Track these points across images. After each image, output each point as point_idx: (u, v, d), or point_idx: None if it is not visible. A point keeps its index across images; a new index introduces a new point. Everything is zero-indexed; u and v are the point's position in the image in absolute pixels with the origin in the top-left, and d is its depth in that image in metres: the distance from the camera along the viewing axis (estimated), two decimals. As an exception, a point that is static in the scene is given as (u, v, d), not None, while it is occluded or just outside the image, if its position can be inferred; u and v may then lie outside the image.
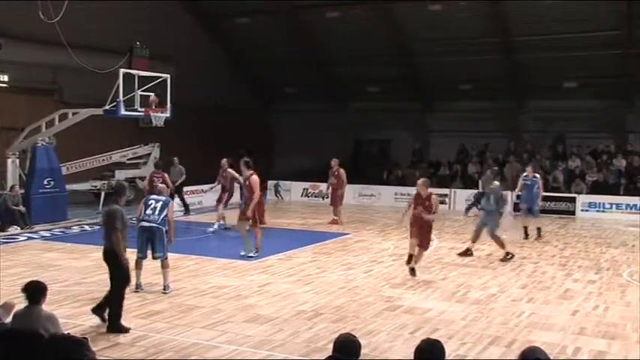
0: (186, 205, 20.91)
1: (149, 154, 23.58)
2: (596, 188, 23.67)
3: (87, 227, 17.69)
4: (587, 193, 23.33)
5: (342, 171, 19.69)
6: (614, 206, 22.51)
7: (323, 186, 25.25)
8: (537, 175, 17.27)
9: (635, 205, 22.14)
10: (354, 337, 4.53)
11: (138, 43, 19.89)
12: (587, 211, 22.61)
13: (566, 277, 12.11)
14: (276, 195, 26.83)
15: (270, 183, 27.06)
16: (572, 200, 22.97)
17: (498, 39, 25.32)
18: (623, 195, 23.13)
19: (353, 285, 11.11)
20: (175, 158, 20.63)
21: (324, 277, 11.80)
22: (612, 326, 8.79)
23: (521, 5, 23.14)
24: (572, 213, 22.65)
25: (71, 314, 8.91)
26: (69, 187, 19.81)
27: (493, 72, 26.23)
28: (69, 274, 11.56)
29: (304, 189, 26.68)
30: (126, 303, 9.32)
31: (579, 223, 20.90)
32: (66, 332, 5.69)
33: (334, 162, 19.96)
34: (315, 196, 25.65)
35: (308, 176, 26.98)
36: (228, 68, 30.30)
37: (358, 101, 29.91)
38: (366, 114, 28.94)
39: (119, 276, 8.50)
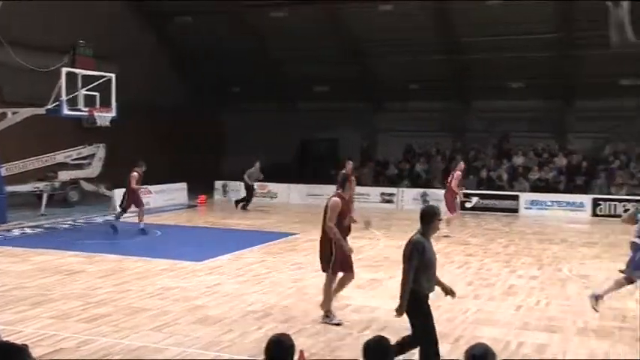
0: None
1: (94, 155, 23.13)
2: (538, 186, 24.31)
3: (28, 230, 17.24)
4: (529, 191, 23.92)
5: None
6: (555, 204, 23.14)
7: (273, 186, 25.29)
8: None
9: (575, 203, 22.82)
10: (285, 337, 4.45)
11: (81, 41, 19.49)
12: (529, 208, 23.18)
13: (511, 273, 12.38)
14: (224, 195, 26.66)
15: (218, 183, 26.90)
16: (516, 198, 23.52)
17: (444, 40, 25.74)
18: (564, 192, 23.79)
19: (302, 285, 11.12)
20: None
21: (273, 277, 11.78)
22: (553, 320, 9.03)
23: (467, 7, 23.57)
24: (516, 211, 23.19)
25: (11, 320, 8.66)
26: (9, 188, 19.27)
27: (439, 72, 26.65)
28: (8, 279, 11.23)
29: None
30: (68, 307, 9.14)
31: (522, 221, 21.39)
32: (5, 339, 5.52)
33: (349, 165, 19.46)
34: (264, 196, 25.57)
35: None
36: (174, 68, 29.99)
37: (307, 101, 29.97)
38: (314, 113, 29.02)
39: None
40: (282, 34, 26.66)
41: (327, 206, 8.72)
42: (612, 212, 22.37)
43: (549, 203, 23.19)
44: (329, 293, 8.84)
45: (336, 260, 8.69)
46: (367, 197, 24.97)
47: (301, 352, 4.53)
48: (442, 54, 26.19)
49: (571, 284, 11.43)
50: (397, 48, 25.65)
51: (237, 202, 23.45)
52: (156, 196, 22.72)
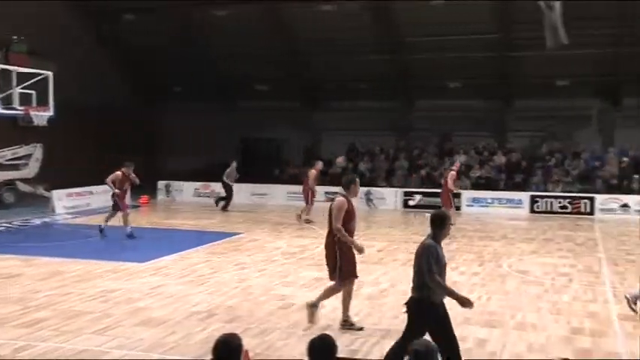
0: None
1: (30, 155, 22.51)
2: (479, 184, 24.85)
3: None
4: (471, 189, 24.42)
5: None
6: (495, 201, 23.69)
7: (216, 185, 25.12)
8: None
9: (514, 200, 23.43)
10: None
11: (15, 38, 18.92)
12: (471, 206, 23.66)
13: (453, 270, 12.58)
14: (167, 195, 26.35)
15: (161, 183, 26.56)
16: (458, 196, 23.92)
17: (387, 39, 26.01)
18: (504, 190, 24.39)
19: (246, 284, 11.09)
20: None
21: (217, 277, 11.71)
22: (493, 315, 9.25)
23: (409, 7, 23.86)
24: (458, 208, 23.59)
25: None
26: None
27: (382, 72, 26.91)
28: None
29: (195, 189, 26.35)
30: (5, 312, 8.90)
31: (464, 218, 21.80)
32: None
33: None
34: (207, 196, 25.37)
35: (199, 176, 26.67)
36: (115, 66, 29.41)
37: (248, 100, 29.78)
38: (256, 113, 28.88)
39: None
40: (224, 32, 26.42)
41: (331, 208, 8.45)
42: (549, 209, 23.06)
43: (490, 200, 23.73)
44: (324, 298, 8.67)
45: (342, 267, 8.37)
46: (312, 196, 25.01)
47: (246, 352, 4.53)
48: (385, 54, 26.46)
49: (510, 280, 11.73)
50: (339, 48, 25.76)
51: (217, 200, 23.35)
52: (97, 196, 22.27)
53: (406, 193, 24.61)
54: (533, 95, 25.97)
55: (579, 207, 22.73)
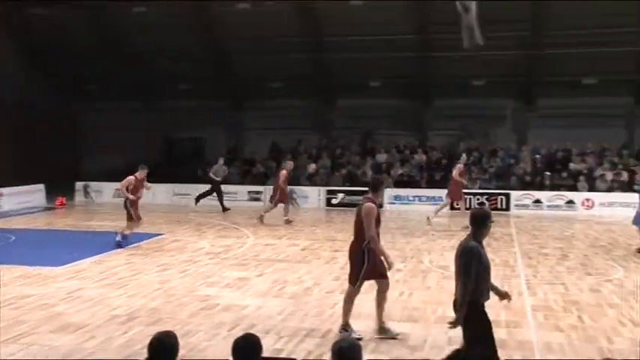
0: None
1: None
2: (400, 182, 25.29)
3: None
4: (392, 187, 24.81)
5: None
6: (416, 198, 24.18)
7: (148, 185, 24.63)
8: None
9: (435, 197, 23.95)
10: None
11: None
12: (393, 203, 24.05)
13: (375, 266, 12.76)
14: (85, 196, 25.59)
15: (79, 184, 25.79)
16: (380, 194, 24.25)
17: (309, 39, 26.11)
18: (425, 188, 24.91)
19: (169, 286, 10.90)
20: None
21: (138, 279, 11.45)
22: (415, 310, 9.44)
23: (330, 6, 24.03)
24: (380, 206, 23.88)
25: None
26: None
27: (305, 71, 26.99)
28: None
29: (115, 190, 25.68)
30: None
31: (387, 216, 22.06)
32: None
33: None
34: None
35: (119, 176, 26.00)
36: (26, 63, 28.30)
37: (169, 99, 29.27)
38: (179, 112, 28.43)
39: None
40: (144, 29, 25.86)
41: (359, 213, 8.12)
42: (467, 205, 23.65)
43: (411, 198, 24.19)
44: (349, 306, 8.25)
45: (365, 272, 8.11)
46: (235, 196, 24.86)
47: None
48: (307, 53, 26.56)
49: (431, 275, 11.99)
50: (261, 46, 25.68)
51: (197, 198, 23.21)
52: (8, 198, 21.39)
53: (329, 192, 24.79)
54: (451, 95, 26.64)
55: (496, 203, 23.47)
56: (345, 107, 28.30)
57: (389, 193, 24.22)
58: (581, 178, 24.17)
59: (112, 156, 27.69)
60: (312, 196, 24.81)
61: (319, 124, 28.98)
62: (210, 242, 15.64)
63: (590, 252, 14.76)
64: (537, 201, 23.31)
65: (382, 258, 8.03)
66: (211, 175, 22.93)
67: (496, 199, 23.55)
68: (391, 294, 10.37)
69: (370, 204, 8.06)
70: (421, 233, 17.74)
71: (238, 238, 16.34)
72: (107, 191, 25.55)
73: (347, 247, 14.64)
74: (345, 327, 8.15)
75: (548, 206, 22.70)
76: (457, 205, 20.30)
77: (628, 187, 23.56)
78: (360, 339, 7.77)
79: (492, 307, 9.44)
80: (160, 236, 16.57)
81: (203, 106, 28.13)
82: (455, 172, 19.55)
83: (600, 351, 7.45)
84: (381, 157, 26.76)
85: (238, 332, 7.64)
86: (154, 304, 9.68)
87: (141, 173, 15.16)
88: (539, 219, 21.07)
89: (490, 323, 6.03)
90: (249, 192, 25.30)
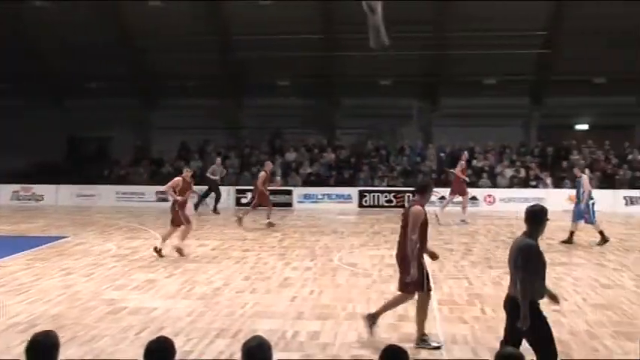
0: None
1: None
2: (310, 180, 25.49)
3: None
4: (302, 186, 24.99)
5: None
6: (325, 197, 24.43)
7: (38, 187, 23.75)
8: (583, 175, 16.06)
9: (343, 195, 24.30)
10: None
11: None
12: (302, 202, 24.21)
13: (285, 266, 12.82)
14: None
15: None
16: (289, 193, 24.41)
17: (218, 38, 25.86)
18: (333, 186, 25.20)
19: (73, 290, 10.53)
20: None
21: (39, 284, 10.99)
22: (325, 308, 9.53)
23: (239, 5, 23.88)
24: (290, 205, 24.08)
25: None
26: None
27: (212, 70, 26.71)
28: None
29: (14, 191, 24.64)
30: None
31: (296, 214, 22.24)
32: None
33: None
34: (28, 199, 23.80)
35: (18, 177, 24.94)
36: None
37: (74, 98, 28.25)
38: (84, 111, 27.41)
39: None
40: (49, 26, 24.83)
41: (406, 216, 7.75)
42: (376, 203, 24.19)
43: (320, 196, 24.42)
44: (423, 316, 7.89)
45: (425, 276, 7.81)
46: (142, 196, 24.36)
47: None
48: (215, 52, 26.29)
49: (341, 273, 12.14)
50: (171, 45, 25.22)
51: (198, 203, 22.30)
52: None
53: (238, 191, 24.67)
54: (359, 94, 27.04)
55: (403, 200, 24.01)
56: (254, 106, 28.18)
57: (298, 191, 24.38)
58: (484, 175, 25.12)
59: (11, 156, 26.39)
60: (222, 195, 24.60)
61: (228, 123, 28.75)
62: (117, 244, 15.23)
63: (492, 246, 15.36)
64: (442, 198, 24.00)
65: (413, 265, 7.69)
66: (208, 175, 22.64)
67: (403, 197, 24.09)
68: (301, 292, 10.49)
69: (418, 207, 7.78)
70: (330, 231, 17.92)
71: (146, 239, 15.99)
72: (4, 193, 24.47)
73: (257, 247, 14.70)
74: (423, 337, 7.81)
75: (453, 202, 23.44)
76: (456, 198, 20.74)
77: (525, 183, 24.73)
78: (439, 347, 7.69)
79: (400, 302, 9.71)
80: (63, 239, 15.97)
81: (109, 105, 27.23)
82: (457, 170, 20.28)
83: (499, 339, 7.76)
84: (290, 156, 26.87)
85: (147, 335, 7.49)
86: (57, 310, 9.33)
87: (187, 174, 14.53)
88: (444, 215, 21.70)
89: (547, 320, 5.95)
90: (158, 192, 24.80)
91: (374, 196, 24.41)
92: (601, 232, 15.32)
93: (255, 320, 8.87)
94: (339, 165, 26.65)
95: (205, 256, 13.84)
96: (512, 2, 22.77)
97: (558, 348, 7.59)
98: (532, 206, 6.18)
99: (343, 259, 13.62)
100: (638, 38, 23.70)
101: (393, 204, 23.97)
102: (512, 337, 5.90)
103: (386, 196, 24.31)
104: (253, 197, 19.02)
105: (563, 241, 15.33)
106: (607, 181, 24.52)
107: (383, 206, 23.91)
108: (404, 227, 7.80)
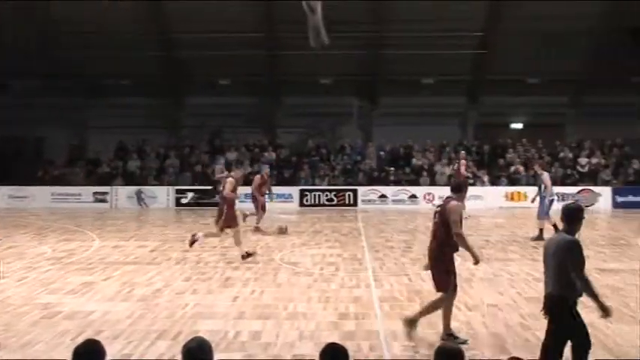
0: None
1: None
2: (251, 180, 25.29)
3: None
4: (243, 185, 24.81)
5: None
6: (266, 196, 24.27)
7: None
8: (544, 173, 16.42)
9: (284, 194, 24.26)
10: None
11: None
12: (243, 202, 23.98)
13: (227, 265, 12.73)
14: None
15: None
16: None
17: (158, 36, 25.46)
18: (275, 185, 25.08)
19: (4, 296, 10.18)
20: None
21: (-31, 290, 10.59)
22: (267, 307, 9.50)
23: (179, 4, 23.56)
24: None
25: None
26: None
27: (152, 68, 26.28)
28: None
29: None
30: None
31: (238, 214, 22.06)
32: None
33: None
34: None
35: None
36: None
37: (6, 96, 27.28)
38: (14, 109, 26.54)
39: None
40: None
41: (444, 212, 7.73)
42: (317, 202, 24.27)
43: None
44: (448, 311, 7.87)
45: (454, 276, 7.84)
46: (79, 197, 23.81)
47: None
48: (155, 50, 25.88)
49: (282, 272, 12.12)
50: (108, 43, 24.66)
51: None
52: None
53: (178, 191, 24.37)
54: (299, 93, 27.06)
55: (344, 199, 24.21)
56: (194, 105, 27.89)
57: (241, 191, 24.21)
58: (423, 173, 25.52)
59: None
60: (161, 196, 24.29)
61: (167, 123, 28.34)
62: (52, 247, 14.81)
63: (431, 243, 15.57)
64: (383, 196, 24.30)
65: (470, 252, 7.81)
66: (217, 176, 22.30)
67: (344, 195, 24.26)
68: (243, 292, 10.44)
69: (457, 202, 7.84)
70: (271, 231, 17.87)
71: (83, 241, 15.62)
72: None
73: (198, 247, 14.52)
74: (449, 333, 7.81)
75: (393, 201, 23.75)
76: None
77: (464, 181, 25.17)
78: (465, 342, 7.59)
79: (342, 300, 9.79)
80: (-6, 242, 15.44)
81: (43, 104, 26.48)
82: (462, 168, 20.48)
83: (439, 335, 7.90)
84: (231, 156, 26.66)
85: (84, 340, 7.31)
86: (-12, 316, 9.01)
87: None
88: (385, 213, 21.98)
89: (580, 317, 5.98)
90: (95, 193, 24.29)
91: (315, 195, 24.48)
92: (541, 230, 15.55)
93: (196, 321, 8.77)
94: (280, 164, 26.62)
95: (144, 257, 13.61)
96: (449, 2, 23.18)
97: (493, 341, 7.83)
98: (569, 204, 6.30)
99: (285, 258, 13.61)
100: (570, 39, 24.45)
101: (334, 203, 24.10)
102: (556, 338, 5.93)
103: (327, 195, 24.42)
104: (255, 202, 18.16)
105: (534, 238, 15.46)
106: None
107: (324, 205, 24.03)
108: (438, 223, 7.85)
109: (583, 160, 25.90)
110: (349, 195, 24.33)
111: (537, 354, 6.14)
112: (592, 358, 6.11)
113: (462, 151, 23.20)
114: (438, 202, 23.94)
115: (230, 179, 13.93)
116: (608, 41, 24.29)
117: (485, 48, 25.83)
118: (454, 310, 8.18)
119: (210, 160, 26.23)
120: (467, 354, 4.33)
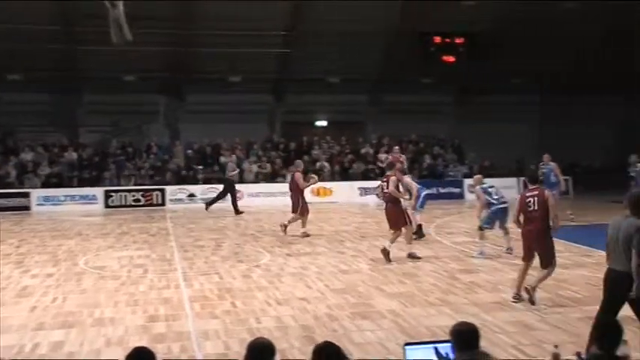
0: None
1: None
2: (50, 182, 23.88)
3: None
4: (41, 187, 23.36)
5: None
6: (68, 198, 23.12)
7: None
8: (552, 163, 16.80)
9: (88, 196, 23.21)
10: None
11: None
12: (42, 205, 22.65)
13: (24, 274, 11.88)
14: None
15: None
16: (27, 195, 22.73)
17: None
18: (78, 187, 23.92)
19: None
20: None
21: None
22: (70, 315, 9.01)
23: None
24: (28, 208, 22.42)
25: None
26: None
27: None
28: None
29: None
30: None
31: (35, 218, 20.76)
32: None
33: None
34: None
35: None
36: None
37: None
38: None
39: None
40: None
41: (541, 198, 8.97)
42: (123, 202, 23.44)
43: (62, 198, 23.08)
44: (522, 278, 9.37)
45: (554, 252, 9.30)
46: None
47: None
48: None
49: (87, 277, 11.55)
50: None
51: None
52: None
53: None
54: (102, 90, 25.88)
55: (152, 199, 23.63)
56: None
57: (36, 193, 22.76)
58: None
59: None
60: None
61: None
62: None
63: (241, 240, 15.72)
64: (192, 195, 24.06)
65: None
66: (229, 174, 21.37)
67: (151, 195, 23.70)
68: (42, 301, 9.81)
69: (548, 191, 9.33)
70: (74, 234, 17.00)
71: None
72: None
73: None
74: (518, 295, 9.34)
75: (202, 199, 23.56)
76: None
77: (272, 178, 25.72)
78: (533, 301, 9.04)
79: (151, 303, 9.57)
80: None
81: None
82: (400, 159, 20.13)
83: (250, 331, 8.01)
84: (27, 156, 24.84)
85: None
86: None
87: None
88: (194, 212, 21.77)
89: None
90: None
91: (121, 195, 23.63)
92: (419, 226, 14.91)
93: (-15, 336, 8.09)
94: (83, 164, 25.31)
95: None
96: (255, 2, 23.44)
97: (303, 333, 8.10)
98: (635, 192, 6.97)
99: (89, 262, 12.99)
100: (365, 41, 25.81)
101: (141, 203, 23.45)
102: (611, 306, 6.61)
103: (134, 195, 23.69)
104: (296, 202, 16.09)
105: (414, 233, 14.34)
106: (344, 174, 26.46)
107: (131, 206, 23.28)
108: (536, 211, 9.02)
109: (382, 156, 27.50)
110: (157, 195, 23.78)
111: (344, 343, 6.45)
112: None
113: (396, 147, 23.31)
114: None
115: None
116: (398, 43, 26.02)
117: (289, 47, 26.49)
118: (265, 306, 8.31)
119: (4, 161, 24.23)
120: (277, 347, 4.43)
